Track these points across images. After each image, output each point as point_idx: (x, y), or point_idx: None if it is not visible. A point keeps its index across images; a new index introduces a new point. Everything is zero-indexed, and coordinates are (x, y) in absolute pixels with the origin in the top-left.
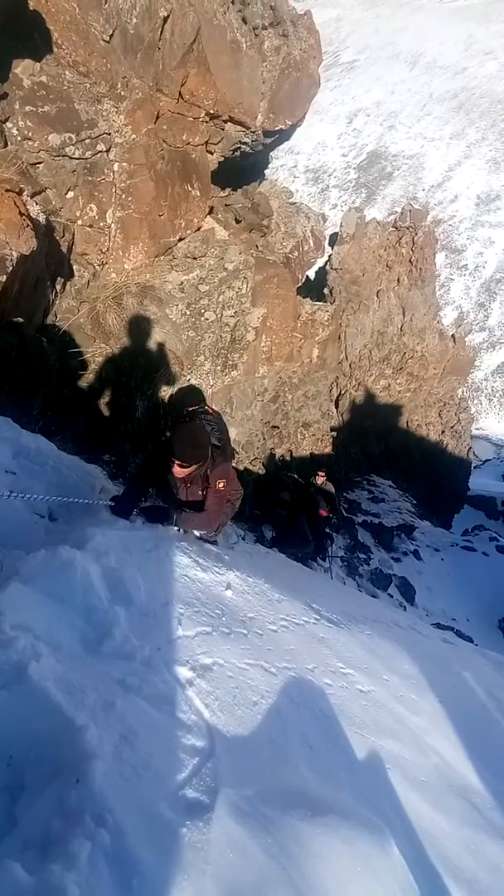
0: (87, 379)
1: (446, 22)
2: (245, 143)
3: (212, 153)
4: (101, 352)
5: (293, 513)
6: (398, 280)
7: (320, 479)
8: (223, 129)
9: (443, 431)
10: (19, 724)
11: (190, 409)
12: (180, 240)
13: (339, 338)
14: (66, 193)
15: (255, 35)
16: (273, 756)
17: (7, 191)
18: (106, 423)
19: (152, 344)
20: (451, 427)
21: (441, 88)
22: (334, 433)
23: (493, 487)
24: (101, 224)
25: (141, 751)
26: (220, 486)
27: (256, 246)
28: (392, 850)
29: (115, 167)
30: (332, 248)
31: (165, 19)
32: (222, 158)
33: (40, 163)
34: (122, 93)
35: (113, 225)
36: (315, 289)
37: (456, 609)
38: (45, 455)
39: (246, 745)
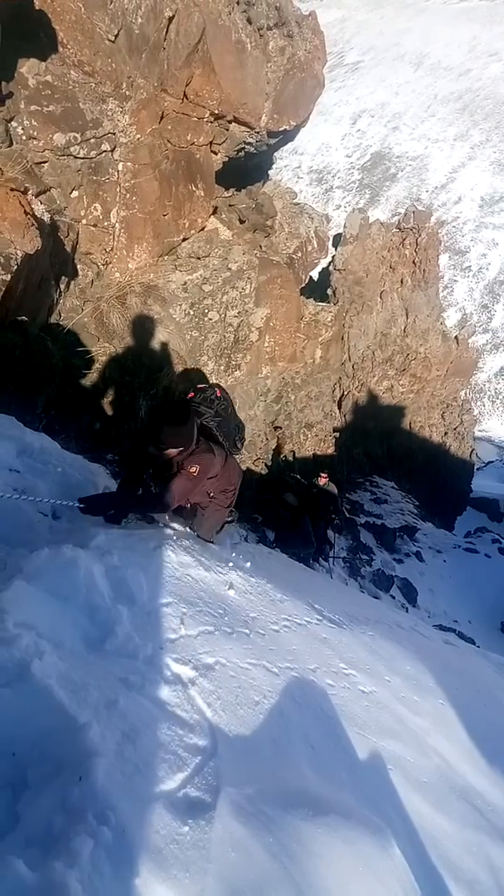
0: (90, 378)
1: (451, 23)
2: (249, 144)
3: (216, 153)
4: (104, 351)
5: (297, 514)
6: (401, 281)
7: (323, 481)
8: (227, 130)
9: (446, 433)
10: (22, 721)
11: (199, 386)
12: (184, 240)
13: (343, 339)
14: (70, 193)
15: (260, 35)
16: (275, 756)
17: (12, 190)
18: (109, 422)
19: (156, 343)
20: (454, 429)
21: (445, 90)
22: (337, 434)
23: (496, 489)
24: (106, 223)
25: (143, 749)
26: (192, 470)
27: (260, 246)
28: (393, 850)
29: (120, 167)
30: (336, 249)
31: (170, 19)
32: (226, 159)
33: (45, 162)
34: (127, 92)
35: (117, 224)
36: (318, 290)
37: (458, 611)
38: (48, 454)
39: (248, 744)
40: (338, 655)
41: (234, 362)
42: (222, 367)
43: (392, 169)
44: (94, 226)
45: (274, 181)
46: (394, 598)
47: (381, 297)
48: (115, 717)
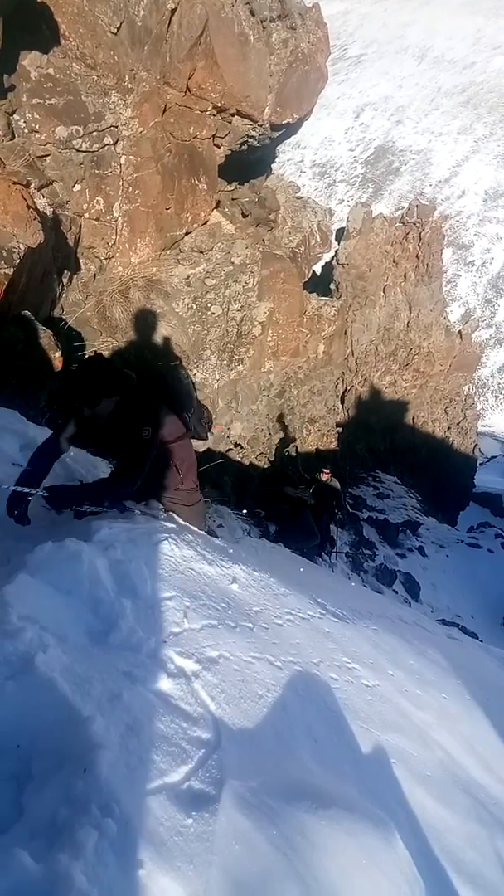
0: None
1: (455, 16)
2: (252, 137)
3: (219, 147)
4: (107, 345)
5: (298, 507)
6: (405, 276)
7: (325, 476)
8: (230, 123)
9: (449, 428)
10: (26, 714)
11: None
12: (187, 233)
13: (346, 333)
14: (73, 186)
15: (263, 28)
16: (278, 749)
17: (14, 183)
18: None
19: (158, 338)
20: (457, 424)
21: (449, 83)
22: (340, 429)
23: (499, 484)
24: (108, 217)
25: (147, 742)
26: (144, 433)
27: (263, 240)
28: (397, 843)
29: (122, 160)
30: (339, 244)
31: (173, 11)
32: (229, 152)
33: (47, 155)
34: (130, 85)
35: (120, 218)
36: (321, 284)
37: (461, 605)
38: None
39: (251, 737)
40: (341, 649)
41: (236, 357)
42: (225, 362)
43: (395, 163)
44: (97, 220)
45: (277, 175)
46: (396, 592)
47: (384, 292)
48: (119, 710)
